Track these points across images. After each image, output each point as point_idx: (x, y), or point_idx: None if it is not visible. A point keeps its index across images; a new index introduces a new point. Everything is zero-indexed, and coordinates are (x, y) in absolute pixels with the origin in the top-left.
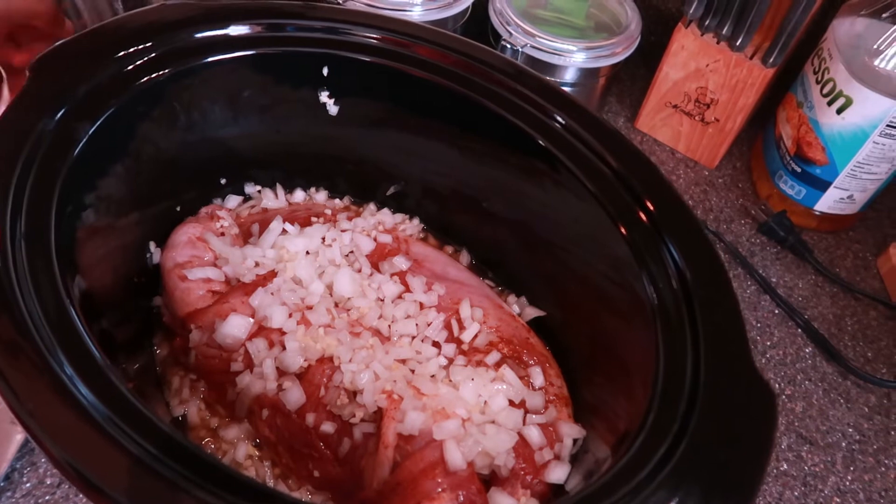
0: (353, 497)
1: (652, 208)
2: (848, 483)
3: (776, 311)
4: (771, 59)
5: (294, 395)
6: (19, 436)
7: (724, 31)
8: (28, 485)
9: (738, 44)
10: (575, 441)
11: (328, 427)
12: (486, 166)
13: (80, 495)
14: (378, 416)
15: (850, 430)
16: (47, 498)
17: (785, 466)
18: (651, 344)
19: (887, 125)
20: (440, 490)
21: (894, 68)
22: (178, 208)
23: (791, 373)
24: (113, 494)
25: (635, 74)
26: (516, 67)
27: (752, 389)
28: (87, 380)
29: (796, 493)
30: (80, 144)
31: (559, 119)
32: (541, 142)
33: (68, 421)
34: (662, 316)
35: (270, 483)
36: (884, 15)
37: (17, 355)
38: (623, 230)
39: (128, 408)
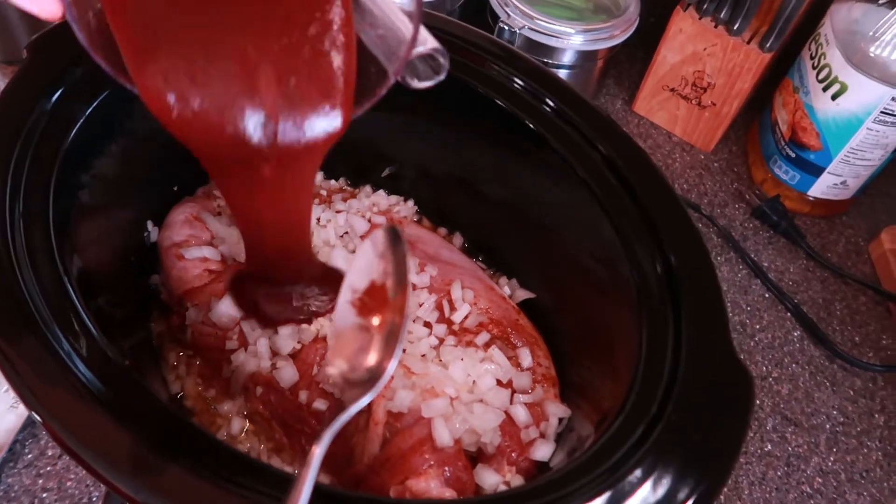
0: (345, 472)
1: (639, 194)
2: (830, 464)
3: (766, 295)
4: (768, 44)
5: (287, 374)
6: (22, 409)
7: (721, 15)
8: (30, 456)
9: (735, 28)
10: (560, 420)
11: (320, 404)
12: (479, 150)
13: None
14: None
15: (835, 412)
16: (48, 469)
17: (769, 447)
18: (635, 327)
19: (881, 112)
20: (427, 466)
21: (890, 55)
22: (176, 188)
23: (779, 356)
24: (110, 472)
25: (633, 56)
26: (509, 51)
27: (730, 372)
28: (85, 357)
29: (779, 473)
30: (78, 125)
31: (550, 103)
32: (531, 126)
33: (67, 398)
34: (646, 300)
35: (264, 458)
36: (880, 1)
37: (16, 333)
38: (610, 215)
39: (125, 385)
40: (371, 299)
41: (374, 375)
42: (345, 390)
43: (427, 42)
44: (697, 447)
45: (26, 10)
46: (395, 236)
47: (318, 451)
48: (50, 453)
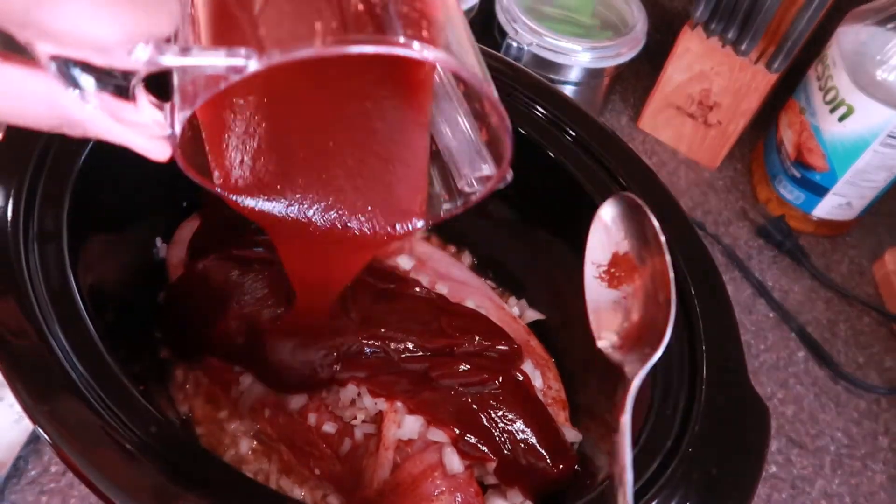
0: (354, 496)
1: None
2: (835, 486)
3: (771, 315)
4: (775, 65)
5: (296, 396)
6: (26, 424)
7: (729, 35)
8: (33, 473)
9: (743, 48)
10: (571, 444)
11: (329, 427)
12: None
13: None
14: (378, 417)
15: (840, 434)
16: (52, 486)
17: (774, 469)
18: None
19: (888, 135)
20: (439, 492)
21: (895, 79)
22: (185, 204)
23: (783, 377)
24: (115, 492)
25: (640, 73)
26: (516, 69)
27: (746, 404)
28: (97, 379)
29: (784, 496)
30: (91, 143)
31: (569, 130)
32: (550, 153)
33: (76, 420)
34: None
35: (273, 478)
36: (888, 25)
37: (30, 354)
38: (648, 212)
39: (134, 406)
40: (618, 269)
41: (648, 338)
42: (621, 359)
43: (487, 165)
44: (715, 482)
45: (136, 150)
46: (629, 204)
47: (624, 419)
48: (53, 470)
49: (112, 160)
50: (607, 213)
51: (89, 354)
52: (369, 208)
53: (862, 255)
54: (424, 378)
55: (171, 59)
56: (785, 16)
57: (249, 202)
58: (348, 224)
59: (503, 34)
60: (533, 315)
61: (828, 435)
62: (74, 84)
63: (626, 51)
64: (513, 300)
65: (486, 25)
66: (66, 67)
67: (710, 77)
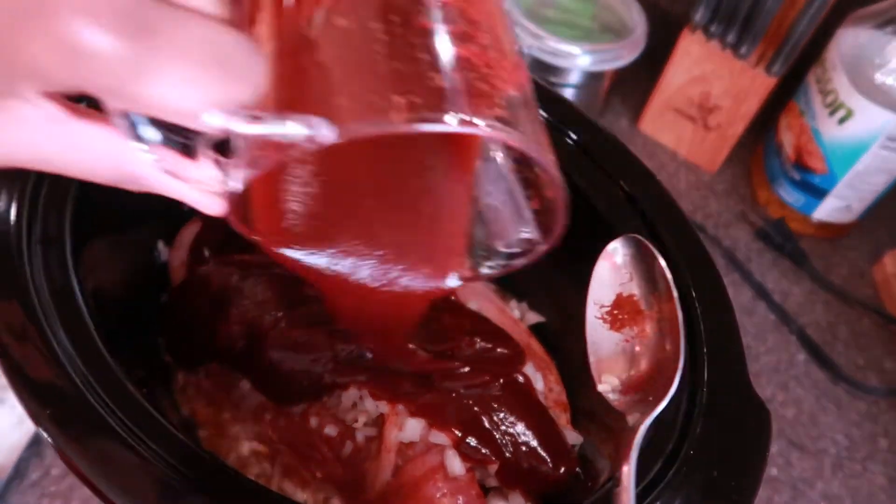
0: (356, 498)
1: (650, 219)
2: (835, 489)
3: (771, 317)
4: (775, 68)
5: None
6: (27, 427)
7: (729, 39)
8: (34, 475)
9: (742, 51)
10: (573, 447)
11: (331, 430)
12: None
13: (84, 486)
14: (380, 420)
15: (840, 436)
16: (53, 489)
17: (774, 472)
18: None
19: (887, 138)
20: (441, 495)
21: (895, 82)
22: (186, 207)
23: (783, 379)
24: (118, 495)
25: (639, 76)
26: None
27: (747, 407)
28: (101, 382)
29: (785, 498)
30: None
31: (572, 136)
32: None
33: (80, 423)
34: None
35: (275, 481)
36: (888, 28)
37: (33, 357)
38: (658, 257)
39: (138, 409)
40: (621, 312)
41: (652, 388)
42: (624, 406)
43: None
44: (716, 485)
45: (192, 205)
46: (638, 246)
47: (626, 470)
48: (54, 473)
49: None
50: (614, 253)
51: (92, 357)
52: (410, 266)
53: (862, 257)
54: (426, 381)
55: (243, 127)
56: (784, 19)
57: (291, 255)
58: (388, 281)
59: None
60: (534, 318)
61: (828, 437)
62: (140, 140)
63: (626, 54)
64: (514, 303)
65: None
66: (135, 124)
67: (709, 80)
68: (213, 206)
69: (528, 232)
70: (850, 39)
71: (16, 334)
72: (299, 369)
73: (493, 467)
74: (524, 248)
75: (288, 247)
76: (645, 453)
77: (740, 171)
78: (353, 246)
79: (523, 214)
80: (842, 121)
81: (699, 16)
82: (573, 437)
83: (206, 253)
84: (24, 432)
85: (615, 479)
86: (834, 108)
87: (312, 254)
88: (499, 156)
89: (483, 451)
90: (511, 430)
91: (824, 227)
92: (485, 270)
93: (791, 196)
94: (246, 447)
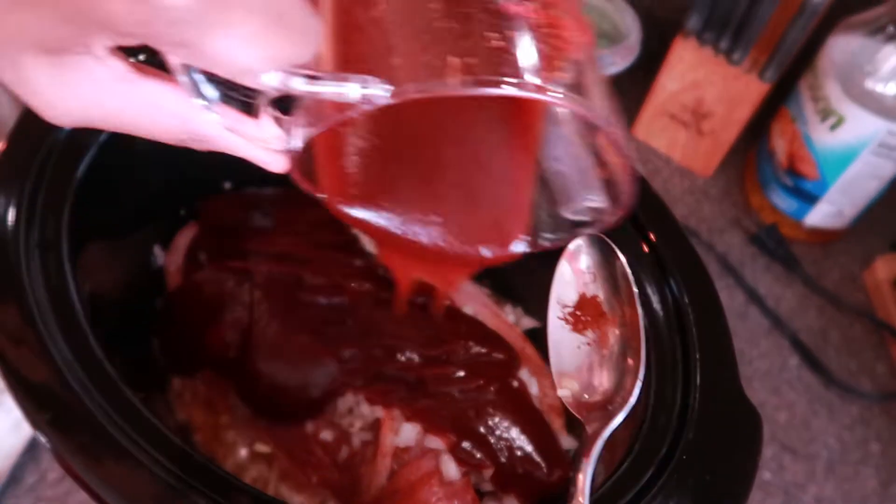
0: (352, 502)
1: (645, 227)
2: (827, 493)
3: (764, 322)
4: (767, 74)
5: None
6: (23, 432)
7: (722, 45)
8: (31, 480)
9: (735, 58)
10: (567, 451)
11: (327, 435)
12: None
13: (80, 491)
14: (376, 425)
15: (832, 440)
16: (49, 493)
17: (767, 475)
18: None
19: (878, 145)
20: (436, 499)
21: (886, 89)
22: (183, 212)
23: (776, 383)
24: (117, 499)
25: (634, 81)
26: None
27: (739, 412)
28: (99, 388)
29: (777, 502)
30: (90, 152)
31: None
32: None
33: (78, 427)
34: (654, 334)
35: (272, 485)
36: (879, 35)
37: (31, 361)
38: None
39: (135, 414)
40: (584, 313)
41: (612, 397)
42: (585, 414)
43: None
44: (708, 488)
45: (256, 163)
46: (601, 245)
47: (581, 480)
48: (50, 478)
49: (111, 169)
50: (577, 252)
51: (89, 362)
52: (472, 229)
53: (853, 262)
54: (421, 385)
55: (301, 85)
56: (777, 26)
57: (354, 212)
58: (449, 243)
59: None
60: (529, 322)
61: (820, 441)
62: (203, 97)
63: (620, 60)
64: (509, 307)
65: None
66: (197, 82)
67: (703, 86)
68: (277, 163)
69: (595, 200)
70: (842, 46)
71: (13, 338)
72: (293, 384)
73: (489, 472)
74: (591, 217)
75: (351, 205)
76: (638, 457)
77: (733, 176)
78: (416, 205)
79: (591, 181)
80: (833, 127)
81: (692, 22)
82: (568, 442)
83: (203, 258)
84: (20, 436)
85: (570, 489)
86: (825, 114)
87: (375, 212)
88: (566, 119)
89: (478, 455)
90: (506, 435)
91: (816, 232)
92: (547, 238)
93: (783, 202)
94: (243, 452)
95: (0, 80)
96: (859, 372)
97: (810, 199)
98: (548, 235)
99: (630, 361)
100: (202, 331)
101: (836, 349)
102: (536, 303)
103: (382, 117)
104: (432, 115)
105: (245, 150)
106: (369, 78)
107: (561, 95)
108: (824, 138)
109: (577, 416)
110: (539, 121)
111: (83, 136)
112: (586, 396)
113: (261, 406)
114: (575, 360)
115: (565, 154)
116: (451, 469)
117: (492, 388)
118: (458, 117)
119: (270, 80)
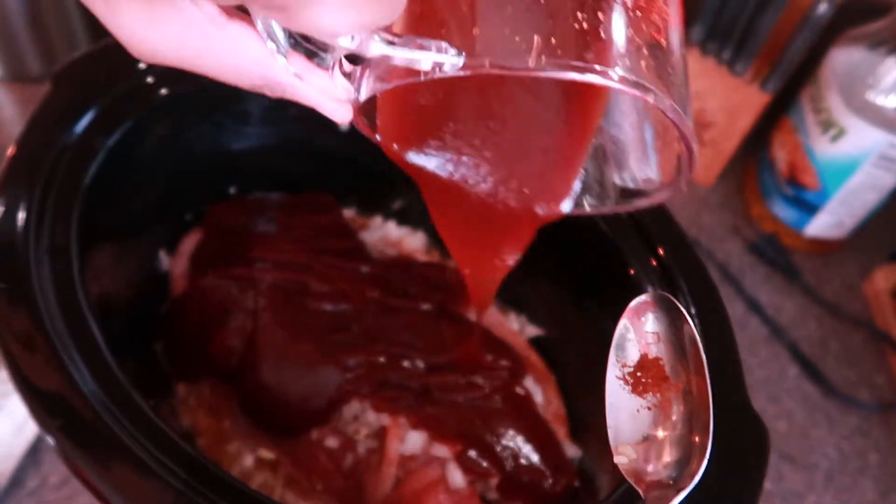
0: None
1: (655, 243)
2: (826, 502)
3: (763, 331)
4: (769, 85)
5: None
6: (25, 435)
7: (724, 56)
8: (32, 484)
9: (738, 68)
10: (571, 460)
11: (332, 442)
12: None
13: (82, 495)
14: (382, 433)
15: (831, 450)
16: (51, 497)
17: (767, 485)
18: None
19: (879, 157)
20: None
21: (887, 101)
22: (188, 217)
23: (775, 392)
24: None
25: None
26: None
27: (746, 425)
28: (108, 394)
29: None
30: (99, 158)
31: None
32: None
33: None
34: None
35: (277, 491)
36: (880, 48)
37: (41, 366)
38: (627, 260)
39: (143, 419)
40: (645, 375)
41: (674, 473)
42: (643, 487)
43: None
44: (716, 499)
45: (323, 112)
46: (666, 305)
47: None
48: (52, 482)
49: (119, 174)
50: (640, 309)
51: (99, 368)
52: (521, 184)
53: (853, 272)
54: (427, 393)
55: (378, 48)
56: (779, 37)
57: (411, 157)
58: (498, 195)
59: None
60: (533, 331)
61: (819, 451)
62: (278, 44)
63: None
64: (513, 315)
65: None
66: (273, 29)
67: (705, 96)
68: (342, 113)
69: (650, 172)
70: (844, 59)
71: (25, 345)
72: (296, 396)
73: (494, 480)
74: (641, 187)
75: (410, 150)
76: None
77: (734, 185)
78: (471, 154)
79: (648, 153)
80: (834, 139)
81: (696, 33)
82: (572, 451)
83: (207, 264)
84: (22, 440)
85: None
86: (827, 125)
87: (430, 158)
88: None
89: (484, 464)
90: (511, 444)
91: (816, 242)
92: (591, 203)
93: (784, 211)
94: (248, 458)
95: (92, 11)
96: (858, 382)
97: (810, 209)
98: (591, 201)
99: (697, 439)
100: (206, 338)
101: (835, 359)
102: (540, 311)
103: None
104: (501, 80)
105: (314, 98)
106: (445, 45)
107: (639, 90)
108: (825, 149)
109: (634, 486)
110: (607, 92)
111: (92, 140)
112: (649, 469)
113: (263, 419)
114: (634, 425)
115: (626, 123)
116: (456, 477)
117: (497, 397)
118: (527, 85)
119: (349, 43)
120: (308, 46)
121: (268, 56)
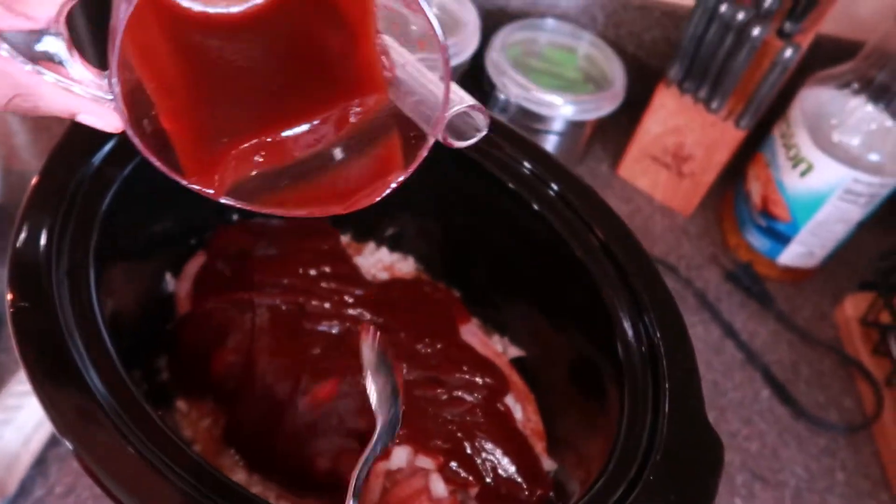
0: None
1: (631, 279)
2: None
3: (738, 356)
4: (743, 122)
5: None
6: (33, 445)
7: (701, 94)
8: (39, 493)
9: (714, 106)
10: (547, 472)
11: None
12: (472, 219)
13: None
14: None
15: (800, 469)
16: None
17: (738, 502)
18: (617, 396)
19: (844, 191)
20: None
21: (852, 140)
22: (193, 241)
23: (748, 414)
24: None
25: (619, 124)
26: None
27: (703, 438)
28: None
29: None
30: (114, 188)
31: (553, 187)
32: (536, 207)
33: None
34: (629, 369)
35: (272, 498)
36: (846, 90)
37: (62, 377)
38: (602, 295)
39: (154, 429)
40: None
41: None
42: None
43: (464, 101)
44: None
45: (92, 125)
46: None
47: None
48: (58, 491)
49: (132, 202)
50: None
51: (112, 379)
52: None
53: (824, 300)
54: (414, 406)
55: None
56: (752, 78)
57: (231, 180)
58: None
59: (492, 86)
60: (515, 352)
61: (789, 470)
62: (8, 48)
63: (606, 105)
64: (496, 337)
65: (475, 78)
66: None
67: (683, 131)
68: (107, 118)
69: (458, 108)
70: (812, 98)
71: (45, 355)
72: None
73: (474, 490)
74: (465, 124)
75: (227, 173)
76: (611, 476)
77: (712, 216)
78: (272, 123)
79: (443, 98)
80: (803, 174)
81: (674, 72)
82: (548, 464)
83: (210, 286)
84: (29, 451)
85: None
86: (796, 161)
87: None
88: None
89: (465, 475)
90: (491, 457)
91: (789, 271)
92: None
93: (758, 241)
94: (240, 473)
95: None
96: (827, 404)
97: (783, 239)
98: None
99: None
100: (207, 356)
101: (806, 383)
102: (522, 333)
103: (204, 56)
104: (258, 35)
105: (73, 104)
106: None
107: None
108: (795, 183)
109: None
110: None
111: (108, 171)
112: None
113: (247, 453)
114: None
115: (412, 85)
116: (439, 487)
117: (479, 412)
118: (283, 29)
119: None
120: (39, 48)
121: (6, 65)
